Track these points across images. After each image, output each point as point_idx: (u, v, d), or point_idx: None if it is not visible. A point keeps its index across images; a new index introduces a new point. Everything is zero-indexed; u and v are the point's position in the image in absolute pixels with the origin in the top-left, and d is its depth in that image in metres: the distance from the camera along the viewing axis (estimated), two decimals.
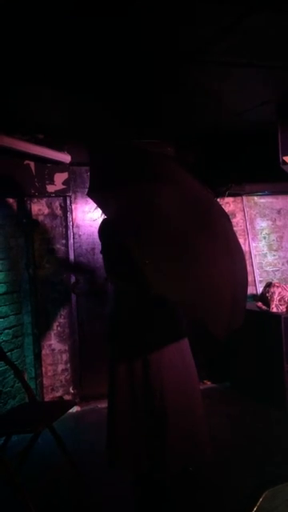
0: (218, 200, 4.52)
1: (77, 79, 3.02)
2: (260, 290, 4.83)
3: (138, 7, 2.14)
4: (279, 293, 4.23)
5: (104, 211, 2.46)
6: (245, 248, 5.05)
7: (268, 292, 4.29)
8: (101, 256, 2.93)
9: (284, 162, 3.74)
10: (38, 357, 4.30)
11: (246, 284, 2.61)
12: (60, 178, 4.37)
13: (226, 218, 2.64)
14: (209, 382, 4.77)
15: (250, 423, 3.76)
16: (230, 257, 2.40)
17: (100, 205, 2.48)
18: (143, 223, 2.20)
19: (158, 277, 2.10)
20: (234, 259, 2.43)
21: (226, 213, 2.78)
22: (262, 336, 4.19)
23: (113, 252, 2.67)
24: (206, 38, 2.50)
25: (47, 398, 4.32)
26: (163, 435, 2.58)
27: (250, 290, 4.99)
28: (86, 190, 4.56)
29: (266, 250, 5.21)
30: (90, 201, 4.48)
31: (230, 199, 4.99)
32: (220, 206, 2.80)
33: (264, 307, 4.25)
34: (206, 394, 4.21)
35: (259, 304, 4.34)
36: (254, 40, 2.56)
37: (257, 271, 5.10)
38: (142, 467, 2.64)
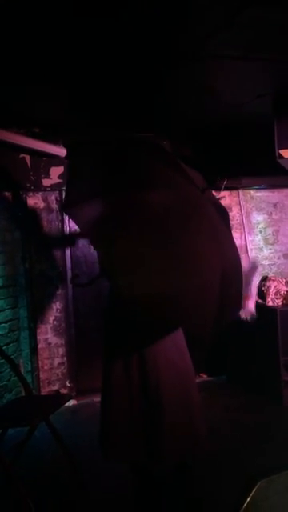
0: (215, 194, 4.53)
1: (73, 75, 3.01)
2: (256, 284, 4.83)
3: (133, 4, 2.13)
4: (275, 286, 4.24)
5: (80, 226, 2.42)
6: (241, 242, 5.05)
7: (264, 286, 4.30)
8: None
9: (280, 155, 3.74)
10: (34, 351, 4.30)
11: (240, 275, 2.59)
12: (56, 171, 4.36)
13: (218, 212, 2.59)
14: (205, 376, 4.79)
15: (246, 416, 3.78)
16: (219, 252, 2.34)
17: (77, 221, 2.44)
18: (117, 230, 2.15)
19: (130, 284, 2.04)
20: (225, 253, 2.40)
21: (220, 205, 2.74)
22: (258, 329, 4.20)
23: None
24: (200, 32, 2.49)
25: (44, 391, 4.32)
26: (159, 427, 2.58)
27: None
28: None
29: (262, 244, 5.21)
30: None
31: (226, 193, 4.99)
32: (213, 198, 2.76)
33: (260, 301, 4.26)
34: (202, 387, 4.21)
35: (255, 298, 4.35)
36: (248, 33, 2.54)
37: None
38: (139, 459, 2.65)
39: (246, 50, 2.75)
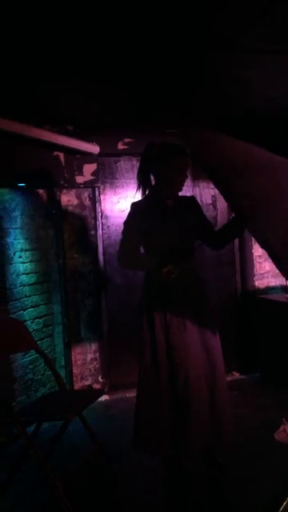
0: None
1: (107, 70, 3.02)
2: None
3: None
4: None
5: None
6: None
7: None
8: None
9: None
10: (67, 346, 4.37)
11: None
12: (89, 168, 4.39)
13: None
14: (237, 374, 4.75)
15: (280, 415, 3.72)
16: None
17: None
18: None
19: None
20: None
21: None
22: None
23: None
24: (235, 25, 2.47)
25: (77, 386, 4.38)
26: (186, 421, 2.63)
27: (280, 282, 4.92)
28: (115, 180, 4.61)
29: None
30: (119, 192, 4.57)
31: None
32: None
33: None
34: (234, 386, 4.20)
35: None
36: (284, 27, 2.51)
37: None
38: (166, 451, 2.71)
39: (281, 43, 2.71)
